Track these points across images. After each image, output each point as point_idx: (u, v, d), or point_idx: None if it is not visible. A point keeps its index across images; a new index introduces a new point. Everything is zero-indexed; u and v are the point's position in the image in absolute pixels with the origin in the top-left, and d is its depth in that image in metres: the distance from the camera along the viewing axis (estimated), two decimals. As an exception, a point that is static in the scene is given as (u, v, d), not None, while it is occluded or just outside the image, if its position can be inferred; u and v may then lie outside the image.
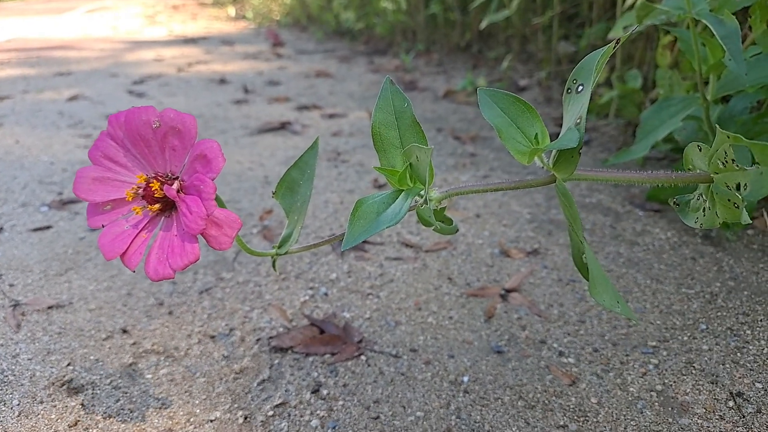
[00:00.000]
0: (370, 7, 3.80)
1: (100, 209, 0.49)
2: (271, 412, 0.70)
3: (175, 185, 0.46)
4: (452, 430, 0.67)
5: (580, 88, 0.57)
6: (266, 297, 0.95)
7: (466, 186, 0.56)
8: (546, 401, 0.71)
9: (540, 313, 0.89)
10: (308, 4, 4.95)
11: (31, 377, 0.77)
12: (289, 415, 0.69)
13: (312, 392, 0.73)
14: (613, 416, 0.68)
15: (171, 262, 0.46)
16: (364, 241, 1.14)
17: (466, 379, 0.75)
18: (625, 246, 1.09)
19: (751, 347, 0.80)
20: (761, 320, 0.85)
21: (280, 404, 0.71)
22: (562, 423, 0.67)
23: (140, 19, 6.40)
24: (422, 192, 0.53)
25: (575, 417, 0.68)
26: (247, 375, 0.77)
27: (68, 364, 0.79)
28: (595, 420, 0.68)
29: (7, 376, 0.77)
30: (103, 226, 0.49)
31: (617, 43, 0.56)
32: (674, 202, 0.65)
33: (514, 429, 0.67)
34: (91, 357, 0.80)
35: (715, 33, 0.88)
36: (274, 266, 0.62)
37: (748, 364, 0.76)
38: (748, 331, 0.83)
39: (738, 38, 0.87)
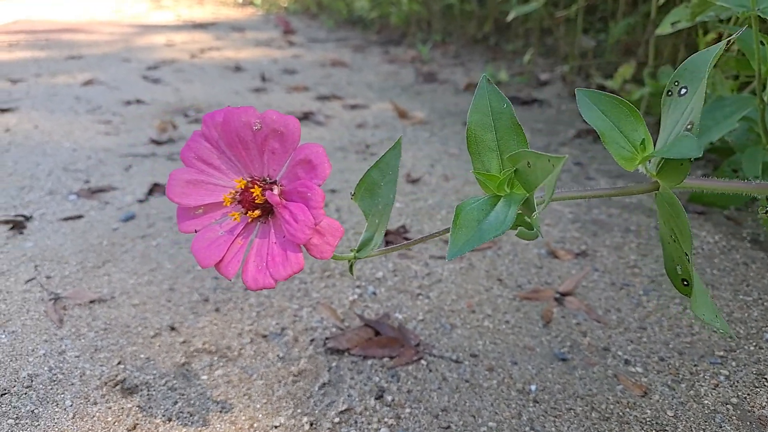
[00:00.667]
0: (384, -4, 3.75)
1: (192, 213, 0.46)
2: (336, 419, 0.67)
3: (276, 191, 0.43)
4: (527, 442, 0.64)
5: (683, 90, 0.54)
6: (314, 295, 0.92)
7: (565, 192, 0.53)
8: (620, 413, 0.68)
9: (599, 318, 0.86)
10: (319, -9, 4.89)
11: (81, 376, 0.74)
12: (356, 422, 0.67)
13: (376, 398, 0.71)
14: (692, 430, 0.66)
15: (272, 272, 0.43)
16: (406, 237, 1.11)
17: (533, 387, 0.73)
18: (674, 249, 1.06)
19: (821, 359, 0.78)
20: (826, 330, 0.83)
21: (345, 410, 0.69)
22: (640, 436, 0.65)
23: (146, 3, 6.32)
24: (524, 199, 0.50)
25: (653, 431, 0.66)
26: (306, 378, 0.74)
27: (119, 363, 0.76)
28: (674, 434, 0.66)
29: (56, 374, 0.74)
30: (195, 231, 0.46)
31: (728, 43, 0.54)
32: (766, 212, 0.63)
33: (591, 442, 0.65)
34: (142, 355, 0.78)
35: (785, 33, 0.85)
36: (351, 270, 0.59)
37: (822, 377, 0.74)
38: (816, 342, 0.81)
39: (811, 39, 0.84)
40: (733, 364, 0.77)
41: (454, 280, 0.96)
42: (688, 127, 0.50)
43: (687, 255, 0.52)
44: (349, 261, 0.60)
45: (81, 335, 0.82)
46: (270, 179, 0.45)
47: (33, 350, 0.79)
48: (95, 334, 0.82)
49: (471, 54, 3.09)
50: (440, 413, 0.68)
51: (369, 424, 0.67)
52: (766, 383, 0.74)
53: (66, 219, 1.17)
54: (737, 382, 0.74)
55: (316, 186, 0.42)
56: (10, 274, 0.97)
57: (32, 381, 0.73)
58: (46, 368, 0.75)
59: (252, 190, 0.43)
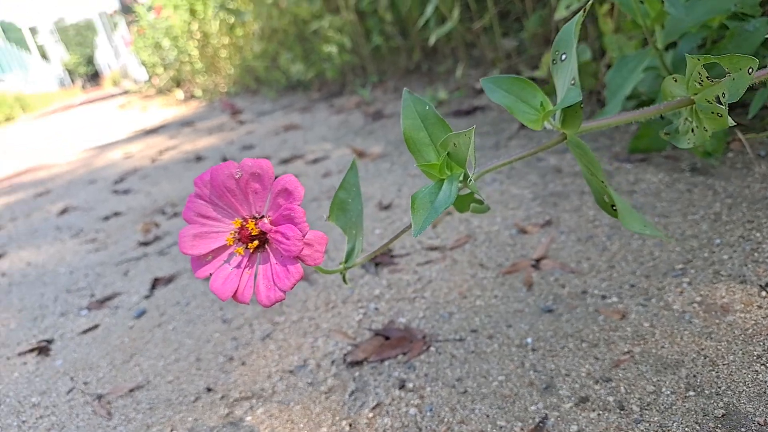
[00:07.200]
0: (315, 55, 3.95)
1: (203, 261, 0.57)
2: (371, 414, 0.76)
3: (266, 220, 0.54)
4: (534, 382, 0.74)
5: (564, 56, 0.66)
6: (323, 326, 1.01)
7: (489, 164, 0.65)
8: (606, 337, 0.79)
9: (573, 270, 0.97)
10: (254, 68, 5.10)
11: (141, 450, 0.82)
12: (388, 412, 0.76)
13: (399, 388, 0.80)
14: (667, 332, 0.76)
15: (280, 285, 0.53)
16: (392, 255, 1.21)
17: (529, 340, 0.83)
18: (625, 196, 1.19)
19: (764, 246, 0.89)
20: (766, 222, 0.95)
21: (376, 405, 0.78)
22: (626, 350, 0.75)
23: (94, 125, 6.49)
24: (462, 174, 0.61)
25: (636, 341, 0.76)
26: (336, 392, 0.83)
27: (171, 430, 0.84)
28: (653, 339, 0.76)
29: (118, 456, 0.82)
30: (210, 275, 0.56)
31: (585, 11, 0.66)
32: (665, 133, 0.75)
33: (586, 366, 0.74)
34: (189, 418, 0.86)
35: (650, -12, 1.00)
36: (344, 280, 0.70)
37: (767, 260, 0.85)
38: (758, 234, 0.92)
39: (671, -12, 0.99)
40: (693, 271, 0.88)
41: (443, 277, 1.07)
42: (572, 82, 0.62)
43: (603, 182, 0.64)
44: (341, 273, 0.70)
45: (131, 419, 0.90)
46: (258, 215, 0.56)
47: (92, 443, 0.87)
48: (143, 414, 0.90)
49: (408, 84, 3.26)
50: (456, 383, 0.78)
51: (398, 409, 0.76)
52: (722, 278, 0.85)
53: (85, 332, 1.25)
54: (698, 284, 0.85)
55: (296, 206, 0.53)
56: (51, 391, 1.05)
57: (100, 467, 0.81)
58: (108, 454, 0.83)
59: (247, 225, 0.54)
